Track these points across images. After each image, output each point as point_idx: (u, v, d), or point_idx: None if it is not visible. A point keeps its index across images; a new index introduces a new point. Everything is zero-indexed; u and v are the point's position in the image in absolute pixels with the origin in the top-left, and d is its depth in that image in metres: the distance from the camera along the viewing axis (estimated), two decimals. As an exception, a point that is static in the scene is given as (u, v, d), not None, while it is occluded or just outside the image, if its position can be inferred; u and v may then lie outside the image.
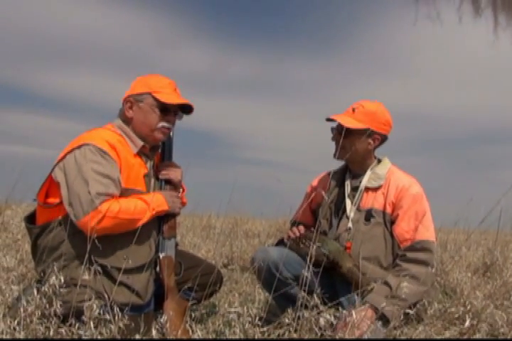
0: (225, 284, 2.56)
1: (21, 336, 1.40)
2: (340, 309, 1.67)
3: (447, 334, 1.87)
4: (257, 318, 1.57)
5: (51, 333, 1.43)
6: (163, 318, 1.60)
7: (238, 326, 1.57)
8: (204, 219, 5.48)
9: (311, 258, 1.70)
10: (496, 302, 2.15)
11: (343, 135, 1.91)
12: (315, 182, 2.24)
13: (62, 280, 1.50)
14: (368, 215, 1.94)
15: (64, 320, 1.47)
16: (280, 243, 2.08)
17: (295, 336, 1.55)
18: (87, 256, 1.53)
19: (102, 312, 1.46)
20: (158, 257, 1.78)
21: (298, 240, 1.96)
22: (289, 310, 1.58)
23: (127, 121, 1.81)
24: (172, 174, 1.87)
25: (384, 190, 1.96)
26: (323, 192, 1.97)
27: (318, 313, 1.56)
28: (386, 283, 1.78)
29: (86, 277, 1.52)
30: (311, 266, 1.67)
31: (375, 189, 1.97)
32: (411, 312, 1.67)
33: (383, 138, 2.02)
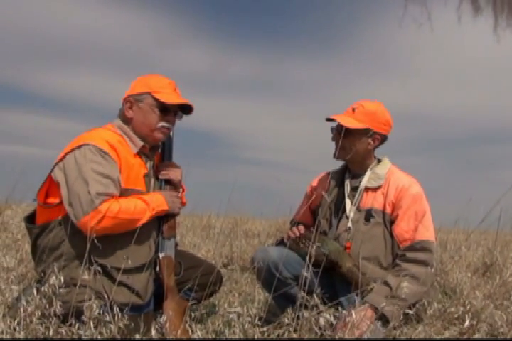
0: (224, 284, 2.55)
1: (21, 336, 1.40)
2: (340, 309, 1.67)
3: (447, 334, 1.87)
4: (257, 318, 1.57)
5: (51, 333, 1.43)
6: (163, 318, 1.60)
7: (238, 326, 1.56)
8: (204, 219, 5.47)
9: (310, 258, 1.70)
10: (495, 302, 2.15)
11: (342, 135, 1.92)
12: (315, 182, 2.24)
13: (62, 280, 1.50)
14: (368, 215, 1.94)
15: (64, 320, 1.47)
16: (280, 243, 2.08)
17: (295, 336, 1.55)
18: (86, 256, 1.53)
19: (101, 312, 1.46)
20: (158, 257, 1.78)
21: (298, 240, 1.96)
22: (289, 310, 1.58)
23: (127, 121, 1.81)
24: (172, 174, 1.87)
25: (384, 190, 1.96)
26: (323, 192, 1.97)
27: (318, 313, 1.56)
28: (386, 283, 1.78)
29: (86, 277, 1.52)
30: (310, 266, 1.67)
31: (375, 189, 1.97)
32: (411, 312, 1.67)
33: (383, 138, 2.02)
